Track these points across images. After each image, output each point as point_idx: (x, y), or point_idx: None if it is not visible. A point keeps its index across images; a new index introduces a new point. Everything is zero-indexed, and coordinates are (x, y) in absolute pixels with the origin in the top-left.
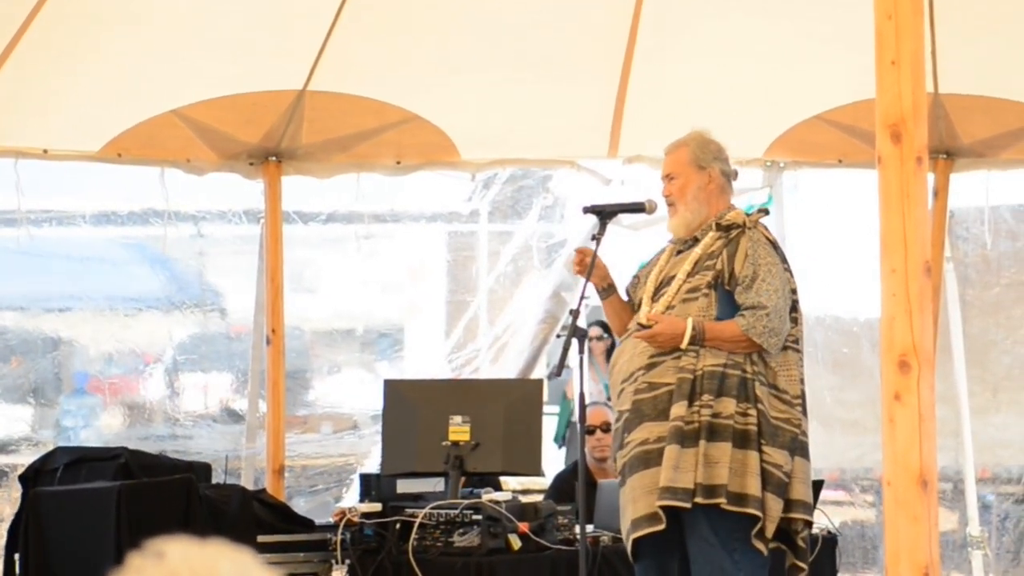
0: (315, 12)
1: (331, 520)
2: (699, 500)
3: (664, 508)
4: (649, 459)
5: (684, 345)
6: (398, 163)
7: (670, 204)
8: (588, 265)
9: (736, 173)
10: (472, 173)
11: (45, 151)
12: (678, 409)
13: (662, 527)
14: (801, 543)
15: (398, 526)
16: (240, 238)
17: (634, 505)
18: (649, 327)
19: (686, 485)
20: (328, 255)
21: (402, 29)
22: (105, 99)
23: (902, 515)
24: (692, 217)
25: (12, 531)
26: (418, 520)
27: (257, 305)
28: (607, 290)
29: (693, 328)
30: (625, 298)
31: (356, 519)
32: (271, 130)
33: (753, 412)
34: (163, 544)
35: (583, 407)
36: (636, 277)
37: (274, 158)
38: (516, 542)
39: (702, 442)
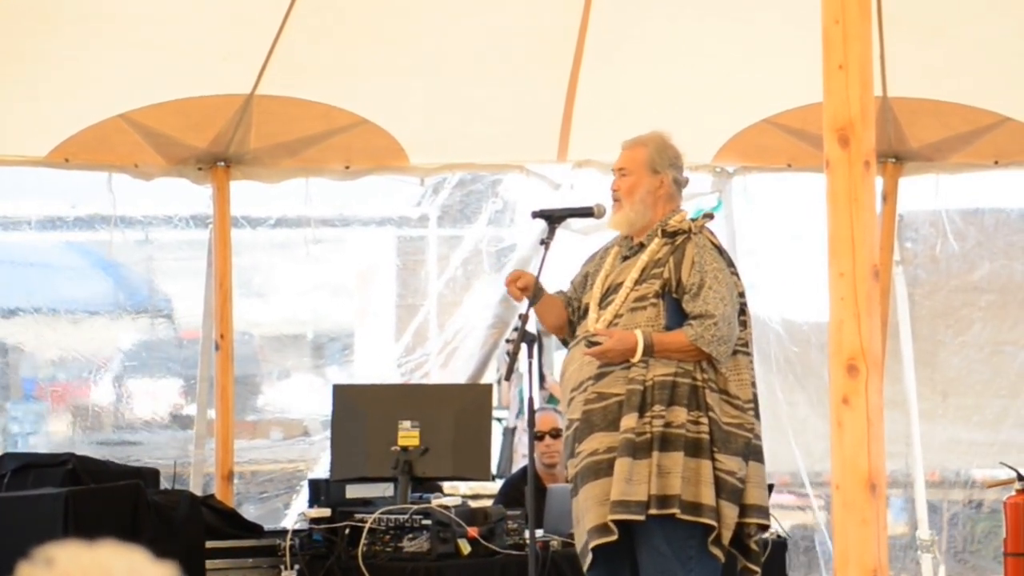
0: (263, 16)
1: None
2: (653, 511)
3: (616, 521)
4: (600, 469)
5: (636, 360)
6: (347, 168)
7: (616, 199)
8: (519, 290)
9: (687, 181)
10: (421, 178)
11: None
12: (628, 421)
13: (614, 538)
14: (753, 546)
15: (347, 531)
16: (188, 243)
17: (586, 516)
18: (599, 343)
19: (639, 498)
20: (277, 260)
21: (350, 33)
22: (52, 104)
23: (851, 518)
24: (636, 217)
25: None
26: (367, 525)
27: (206, 310)
28: (534, 298)
29: (643, 342)
30: (567, 289)
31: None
32: (219, 135)
33: (705, 420)
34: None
35: (532, 412)
36: (585, 276)
37: (222, 163)
38: (465, 547)
39: (655, 453)
